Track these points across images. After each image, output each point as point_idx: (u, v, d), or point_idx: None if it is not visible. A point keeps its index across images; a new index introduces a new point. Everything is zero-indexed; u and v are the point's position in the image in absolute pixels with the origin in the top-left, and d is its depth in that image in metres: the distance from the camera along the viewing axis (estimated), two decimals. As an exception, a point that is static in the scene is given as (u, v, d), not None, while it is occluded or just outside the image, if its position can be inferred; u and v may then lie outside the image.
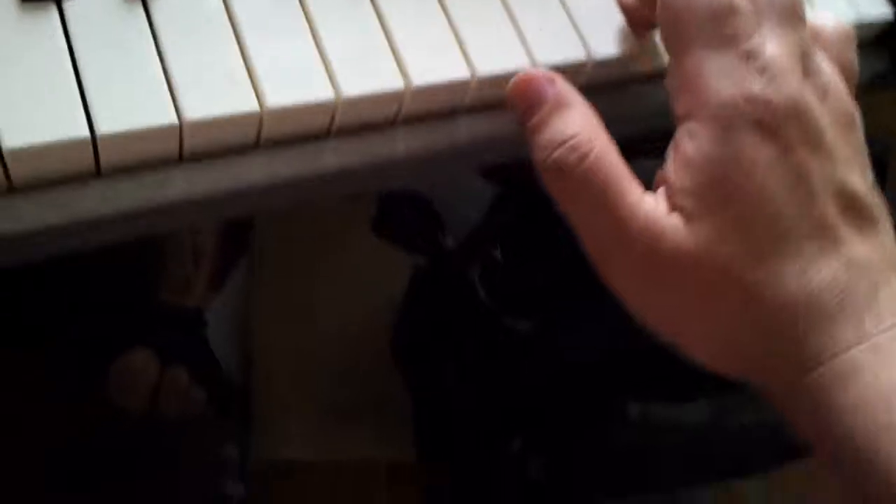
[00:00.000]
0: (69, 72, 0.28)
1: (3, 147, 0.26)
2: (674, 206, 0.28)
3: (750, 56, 0.28)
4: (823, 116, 0.28)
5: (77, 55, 0.29)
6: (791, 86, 0.28)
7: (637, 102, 0.38)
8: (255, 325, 0.81)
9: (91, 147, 0.28)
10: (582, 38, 0.36)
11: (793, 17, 0.29)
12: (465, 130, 0.35)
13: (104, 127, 0.28)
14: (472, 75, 0.33)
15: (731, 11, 0.28)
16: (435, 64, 0.33)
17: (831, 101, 0.29)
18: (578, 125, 0.29)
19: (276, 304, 0.81)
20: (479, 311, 0.64)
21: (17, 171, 0.27)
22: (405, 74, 0.32)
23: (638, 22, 0.36)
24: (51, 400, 0.68)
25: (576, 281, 0.60)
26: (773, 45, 0.28)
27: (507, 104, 0.32)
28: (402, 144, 0.33)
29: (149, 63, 0.29)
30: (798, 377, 0.28)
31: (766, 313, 0.28)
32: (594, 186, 0.29)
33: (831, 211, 0.28)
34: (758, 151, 0.27)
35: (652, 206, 0.28)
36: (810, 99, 0.28)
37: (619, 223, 0.28)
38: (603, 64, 0.36)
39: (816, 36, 0.32)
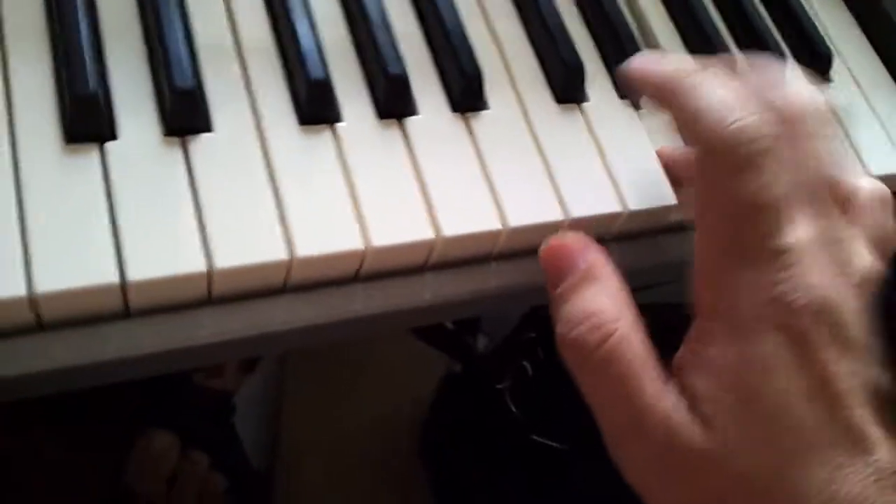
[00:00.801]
0: (105, 215, 0.29)
1: (36, 290, 0.27)
2: (692, 408, 0.27)
3: (774, 255, 0.26)
4: (856, 311, 0.27)
5: (114, 197, 0.29)
6: (817, 284, 0.26)
7: (668, 252, 0.38)
8: (283, 412, 0.81)
9: (121, 292, 0.28)
10: (618, 189, 0.36)
11: (824, 200, 0.28)
12: (494, 278, 0.35)
13: (134, 273, 0.28)
14: (504, 226, 0.33)
15: (758, 209, 0.27)
16: (468, 214, 0.33)
17: (866, 287, 0.28)
18: (605, 302, 0.28)
19: (306, 392, 0.81)
20: (509, 423, 0.62)
21: (49, 312, 0.28)
22: (436, 226, 0.32)
23: (674, 179, 0.35)
24: (70, 479, 0.68)
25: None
26: (800, 236, 0.27)
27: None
28: (429, 292, 0.33)
29: (184, 208, 0.30)
30: None
31: None
32: (613, 371, 0.27)
33: (860, 413, 0.26)
34: (778, 357, 0.26)
35: (672, 402, 0.27)
36: (839, 295, 0.26)
37: (637, 414, 0.27)
38: (637, 215, 0.36)
39: (850, 198, 0.29)
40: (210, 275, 0.29)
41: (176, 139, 0.31)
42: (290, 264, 0.30)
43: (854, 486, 0.25)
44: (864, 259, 0.28)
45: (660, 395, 0.27)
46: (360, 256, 0.32)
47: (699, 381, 0.27)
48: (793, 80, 0.30)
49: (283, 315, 0.31)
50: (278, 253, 0.30)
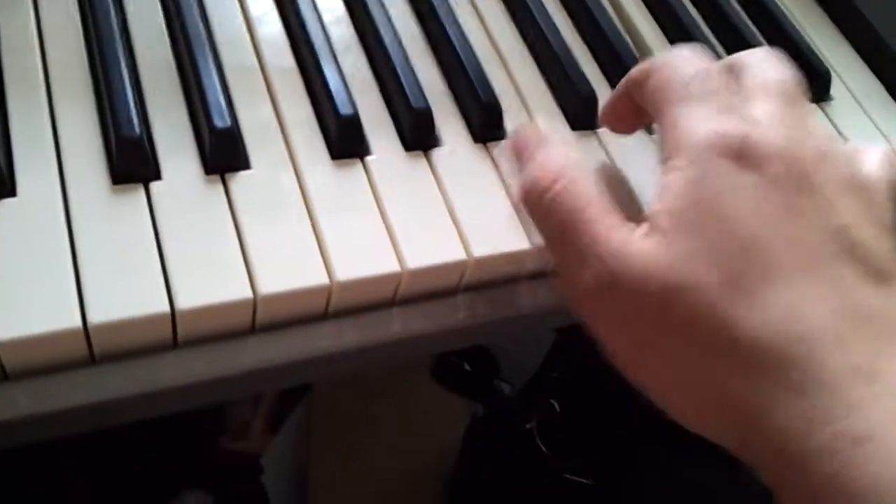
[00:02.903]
0: (153, 251, 0.30)
1: (89, 322, 0.28)
2: (651, 229, 0.27)
3: (731, 108, 0.28)
4: (819, 172, 0.27)
5: (161, 233, 0.30)
6: (778, 132, 0.27)
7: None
8: (310, 469, 0.81)
9: (170, 321, 0.29)
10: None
11: (792, 96, 0.29)
12: (525, 298, 0.36)
13: (183, 302, 0.29)
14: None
15: (711, 74, 0.29)
16: (494, 235, 0.34)
17: (832, 163, 0.28)
18: (555, 158, 0.30)
19: (333, 447, 0.81)
20: (539, 462, 0.62)
21: (100, 345, 0.29)
22: (467, 247, 0.34)
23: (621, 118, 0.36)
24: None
25: (638, 438, 0.59)
26: (759, 107, 0.28)
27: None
28: (462, 312, 0.34)
29: (228, 241, 0.31)
30: (794, 443, 0.24)
31: (745, 354, 0.25)
32: (565, 207, 0.29)
33: (830, 249, 0.26)
34: (734, 178, 0.26)
35: (625, 231, 0.27)
36: (802, 149, 0.27)
37: (586, 244, 0.28)
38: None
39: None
40: (255, 302, 0.30)
41: (216, 177, 0.32)
42: (330, 289, 0.31)
43: (824, 313, 0.25)
44: (845, 148, 0.30)
45: (609, 226, 0.28)
46: (397, 279, 0.33)
47: (657, 201, 0.27)
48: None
49: (328, 340, 0.32)
50: (319, 278, 0.31)
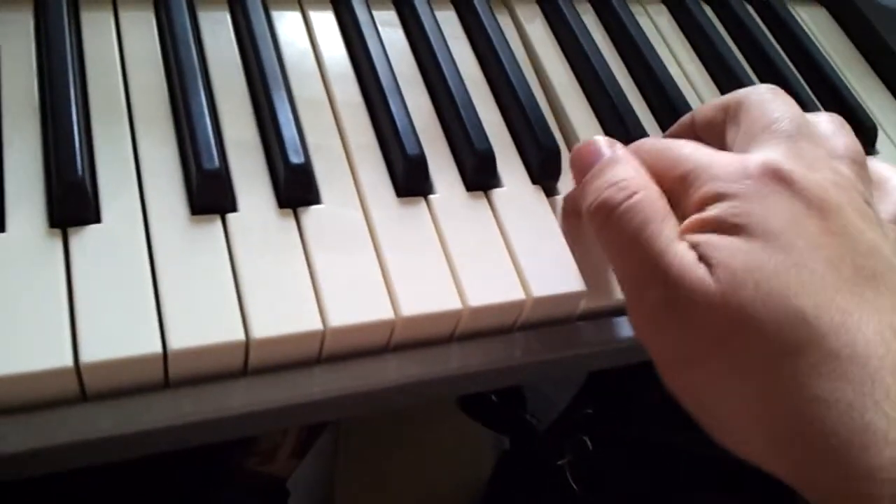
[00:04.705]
0: (229, 279, 0.31)
1: (169, 350, 0.29)
2: (701, 258, 0.28)
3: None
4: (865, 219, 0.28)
5: (236, 262, 0.32)
6: (822, 175, 0.29)
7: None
8: (336, 496, 0.81)
9: (244, 350, 0.30)
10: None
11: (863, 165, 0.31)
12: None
13: (259, 332, 0.30)
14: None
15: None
16: (551, 276, 0.35)
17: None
18: (630, 173, 0.31)
19: (359, 473, 0.81)
20: (569, 500, 0.63)
21: (176, 371, 0.30)
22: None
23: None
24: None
25: (672, 482, 0.59)
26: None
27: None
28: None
29: (299, 272, 0.32)
30: (852, 483, 0.24)
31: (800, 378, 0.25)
32: (635, 221, 0.29)
33: (881, 263, 0.27)
34: (784, 204, 0.27)
35: (682, 250, 0.28)
36: (842, 195, 0.28)
37: (651, 259, 0.28)
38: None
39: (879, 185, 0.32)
40: (324, 335, 0.31)
41: (289, 211, 0.34)
42: (394, 324, 0.32)
43: (870, 331, 0.25)
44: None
45: (672, 244, 0.28)
46: (458, 317, 0.34)
47: (705, 237, 0.28)
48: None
49: (392, 374, 0.33)
50: (385, 312, 0.32)
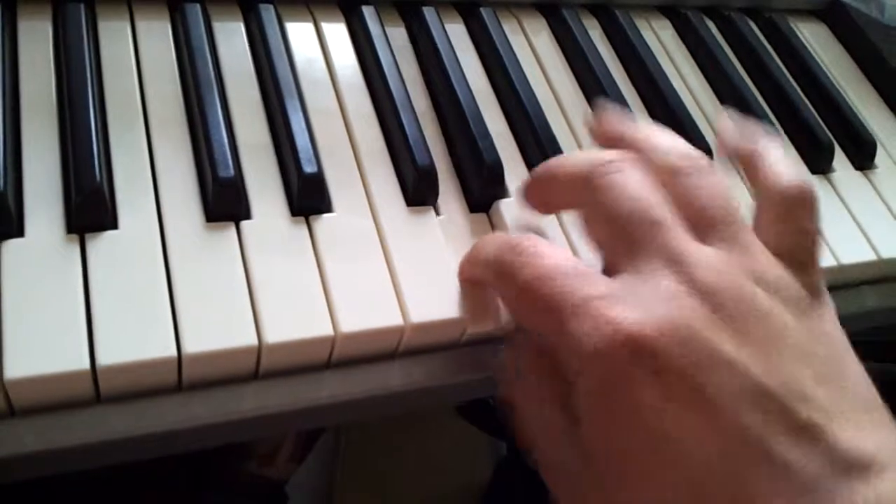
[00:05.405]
0: (243, 284, 0.32)
1: (183, 353, 0.30)
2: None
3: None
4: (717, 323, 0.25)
5: (248, 269, 0.32)
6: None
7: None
8: (335, 498, 0.82)
9: (256, 355, 0.31)
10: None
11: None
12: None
13: (271, 337, 0.31)
14: None
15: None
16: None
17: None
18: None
19: (358, 477, 0.81)
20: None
21: (189, 375, 0.30)
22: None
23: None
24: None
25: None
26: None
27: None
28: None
29: (311, 278, 0.33)
30: None
31: None
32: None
33: (752, 420, 0.24)
34: (642, 392, 0.25)
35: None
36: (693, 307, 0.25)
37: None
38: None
39: (764, 201, 0.29)
40: (334, 340, 0.32)
41: (302, 218, 0.34)
42: (403, 331, 0.33)
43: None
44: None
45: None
46: (464, 326, 0.34)
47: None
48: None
49: (398, 380, 0.34)
50: (394, 319, 0.33)
